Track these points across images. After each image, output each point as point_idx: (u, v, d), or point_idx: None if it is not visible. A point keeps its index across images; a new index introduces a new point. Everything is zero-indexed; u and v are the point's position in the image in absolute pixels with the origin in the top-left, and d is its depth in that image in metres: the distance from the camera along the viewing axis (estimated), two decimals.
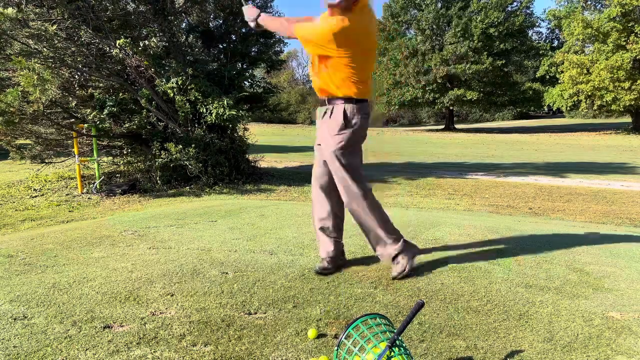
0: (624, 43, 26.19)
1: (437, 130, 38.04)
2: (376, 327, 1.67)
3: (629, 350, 1.91)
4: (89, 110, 7.76)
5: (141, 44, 7.24)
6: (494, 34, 34.23)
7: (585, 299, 2.45)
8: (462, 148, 20.43)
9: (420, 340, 1.98)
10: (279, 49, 11.33)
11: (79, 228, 4.11)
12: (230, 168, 8.17)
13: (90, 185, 7.55)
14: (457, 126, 41.62)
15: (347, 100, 2.61)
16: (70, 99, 7.77)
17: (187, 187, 7.63)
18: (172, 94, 7.47)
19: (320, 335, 1.99)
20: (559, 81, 30.02)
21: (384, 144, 22.02)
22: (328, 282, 2.62)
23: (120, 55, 7.17)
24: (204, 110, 7.66)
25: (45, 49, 6.68)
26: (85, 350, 1.82)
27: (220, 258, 3.04)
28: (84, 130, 7.58)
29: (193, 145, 7.42)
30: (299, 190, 7.84)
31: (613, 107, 27.70)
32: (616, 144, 21.64)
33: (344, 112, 2.61)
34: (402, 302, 2.35)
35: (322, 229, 2.82)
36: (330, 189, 2.77)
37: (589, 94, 27.57)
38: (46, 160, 8.05)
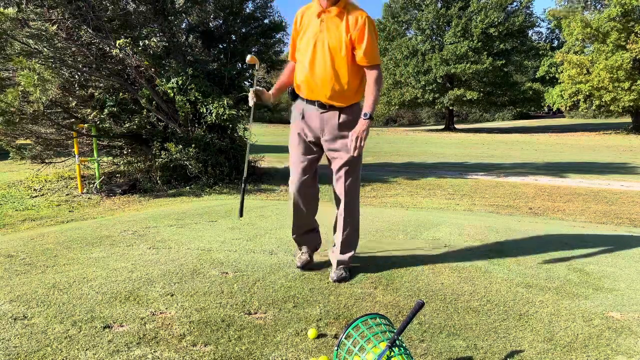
0: (624, 43, 26.15)
1: (437, 130, 38.01)
2: (376, 327, 1.67)
3: (629, 350, 1.91)
4: (89, 110, 7.76)
5: (141, 44, 7.24)
6: (494, 34, 34.22)
7: (585, 299, 2.45)
8: (462, 148, 20.42)
9: (420, 340, 1.98)
10: (279, 49, 11.32)
11: (79, 228, 4.11)
12: (230, 168, 8.17)
13: (91, 185, 7.55)
14: (457, 126, 41.59)
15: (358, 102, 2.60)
16: (70, 99, 7.76)
17: (187, 187, 7.62)
18: (172, 94, 7.47)
19: (320, 335, 1.99)
20: (559, 81, 30.00)
21: (384, 144, 22.02)
22: (328, 282, 2.62)
23: (121, 55, 7.17)
24: (204, 110, 7.66)
25: (45, 49, 6.68)
26: (85, 350, 1.82)
27: (220, 258, 3.04)
28: (84, 130, 7.58)
29: (193, 145, 7.42)
30: None
31: (612, 107, 27.68)
32: (616, 144, 21.62)
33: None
34: (402, 302, 2.35)
35: (310, 230, 2.84)
36: (314, 193, 2.75)
37: (588, 94, 27.55)
38: (46, 160, 8.06)
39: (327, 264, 2.92)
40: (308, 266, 2.73)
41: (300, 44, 2.57)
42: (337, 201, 2.69)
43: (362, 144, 2.44)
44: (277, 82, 2.79)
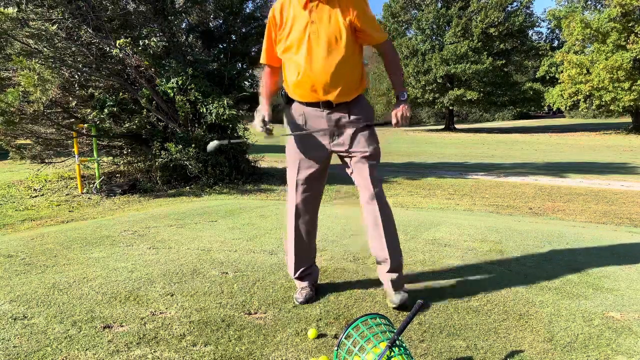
0: (624, 43, 26.15)
1: (437, 130, 38.00)
2: (376, 327, 1.67)
3: (629, 350, 1.91)
4: (89, 110, 7.76)
5: (141, 44, 7.24)
6: (494, 34, 34.24)
7: (585, 299, 2.45)
8: (462, 148, 20.42)
9: (420, 340, 1.97)
10: None
11: (79, 228, 4.11)
12: (230, 168, 8.17)
13: (90, 185, 7.54)
14: (457, 126, 41.59)
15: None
16: (70, 99, 7.77)
17: (187, 187, 7.63)
18: (172, 94, 7.47)
19: (320, 335, 1.99)
20: (559, 81, 30.02)
21: (384, 144, 22.01)
22: (328, 282, 2.62)
23: (121, 55, 7.17)
24: (204, 110, 7.67)
25: (45, 49, 6.68)
26: (85, 350, 1.82)
27: (220, 258, 3.04)
28: (84, 130, 7.58)
29: (193, 145, 7.43)
30: None
31: (612, 107, 27.69)
32: (616, 144, 21.62)
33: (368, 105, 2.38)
34: None
35: (312, 264, 2.48)
36: (316, 209, 2.43)
37: (588, 94, 27.57)
38: (46, 160, 8.05)
39: (326, 264, 2.92)
40: (312, 301, 2.33)
41: (286, 42, 2.23)
42: (371, 205, 2.26)
43: (409, 115, 2.24)
44: (263, 94, 2.39)
